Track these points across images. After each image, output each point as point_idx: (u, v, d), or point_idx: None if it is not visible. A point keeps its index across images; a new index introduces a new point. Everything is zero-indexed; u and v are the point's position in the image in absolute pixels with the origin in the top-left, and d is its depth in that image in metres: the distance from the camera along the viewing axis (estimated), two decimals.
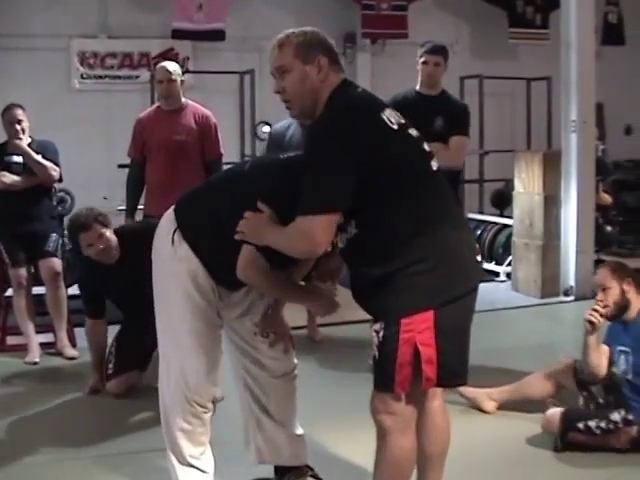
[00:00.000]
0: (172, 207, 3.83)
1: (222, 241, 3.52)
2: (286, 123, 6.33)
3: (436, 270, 3.16)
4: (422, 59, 6.14)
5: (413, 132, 3.37)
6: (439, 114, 5.99)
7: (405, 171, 3.21)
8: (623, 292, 4.76)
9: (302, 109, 3.34)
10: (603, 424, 4.60)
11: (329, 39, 3.40)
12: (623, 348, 4.78)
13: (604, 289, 4.78)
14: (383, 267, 3.16)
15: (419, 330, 3.13)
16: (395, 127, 3.26)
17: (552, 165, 9.05)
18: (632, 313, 4.78)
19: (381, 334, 3.20)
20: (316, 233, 3.06)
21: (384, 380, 3.22)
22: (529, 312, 8.20)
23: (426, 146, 3.41)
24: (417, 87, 6.25)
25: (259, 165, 3.93)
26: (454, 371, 3.28)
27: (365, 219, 3.18)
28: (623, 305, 4.76)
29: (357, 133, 3.11)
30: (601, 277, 4.86)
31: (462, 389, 5.34)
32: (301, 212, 3.08)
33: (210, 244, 3.59)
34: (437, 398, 3.50)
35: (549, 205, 9.02)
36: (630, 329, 4.78)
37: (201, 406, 3.73)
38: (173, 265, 3.70)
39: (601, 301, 4.77)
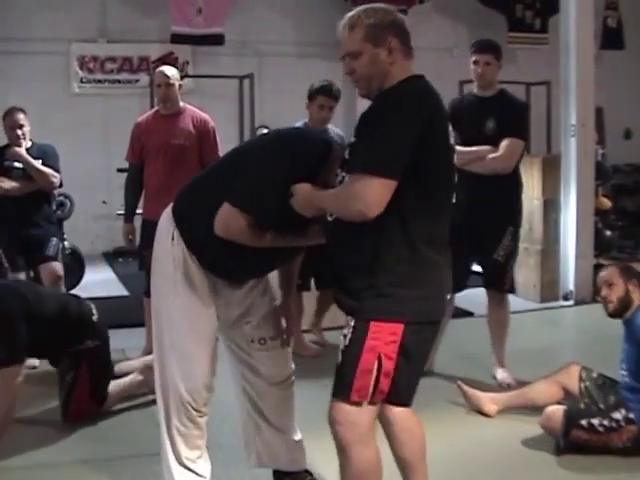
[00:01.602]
0: (170, 206, 3.82)
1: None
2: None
3: (417, 289, 3.17)
4: (472, 59, 5.93)
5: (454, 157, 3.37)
6: (491, 116, 5.78)
7: (432, 186, 3.18)
8: (628, 291, 4.82)
9: (370, 90, 3.29)
10: (606, 422, 4.63)
11: (400, 16, 3.31)
12: (626, 345, 4.83)
13: (610, 285, 4.84)
14: (368, 265, 3.16)
15: (385, 341, 3.13)
16: (450, 142, 3.28)
17: (551, 169, 9.05)
18: (630, 312, 4.82)
19: (348, 337, 3.19)
20: (370, 192, 2.99)
21: (342, 387, 3.21)
22: (528, 317, 8.19)
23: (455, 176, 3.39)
24: (474, 89, 6.09)
25: (253, 150, 3.79)
26: (402, 391, 3.30)
27: None
28: (626, 303, 4.81)
29: (425, 123, 3.08)
30: (608, 273, 4.92)
31: (466, 389, 5.35)
32: (359, 169, 3.04)
33: (211, 239, 3.54)
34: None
35: (548, 209, 9.02)
36: (627, 326, 4.84)
37: (195, 410, 3.73)
38: (170, 266, 3.69)
39: (605, 297, 4.85)
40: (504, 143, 5.71)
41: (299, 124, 6.35)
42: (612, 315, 4.89)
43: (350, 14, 3.30)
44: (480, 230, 5.75)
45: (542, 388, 5.20)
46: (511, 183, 5.91)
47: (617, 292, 4.82)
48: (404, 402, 3.40)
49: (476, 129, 5.74)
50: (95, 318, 5.50)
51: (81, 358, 5.29)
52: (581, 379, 5.06)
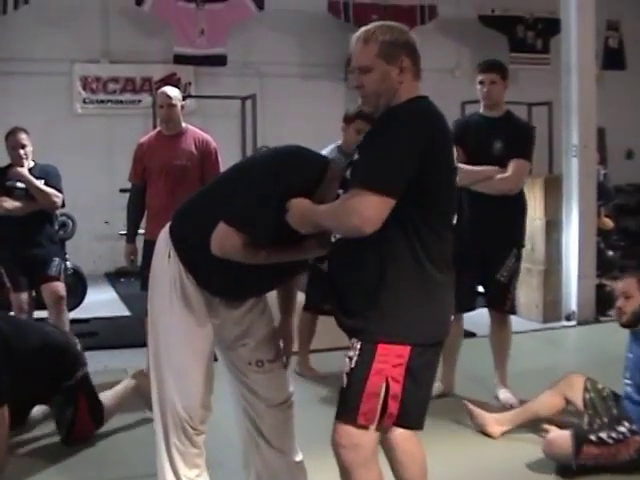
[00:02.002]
0: (168, 225, 3.81)
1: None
2: (328, 152, 6.18)
3: (423, 309, 3.17)
4: (478, 78, 5.93)
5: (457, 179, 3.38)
6: (498, 137, 5.77)
7: (435, 205, 3.18)
8: None
9: (377, 107, 3.28)
10: (613, 434, 4.64)
11: (413, 37, 3.31)
12: (630, 355, 4.85)
13: (627, 296, 4.79)
14: (372, 284, 3.14)
15: (393, 364, 3.12)
16: (453, 163, 3.29)
17: (553, 190, 9.05)
18: None
19: (354, 360, 3.17)
20: (367, 208, 2.97)
21: (348, 410, 3.19)
22: (531, 337, 8.18)
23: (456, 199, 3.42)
24: (480, 110, 6.08)
25: (248, 168, 3.78)
26: (411, 414, 3.27)
27: (382, 225, 3.06)
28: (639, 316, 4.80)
29: (429, 141, 3.08)
30: (626, 284, 4.84)
31: (472, 408, 5.33)
32: (358, 184, 3.03)
33: (208, 257, 3.51)
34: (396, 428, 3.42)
35: (550, 230, 9.01)
36: (636, 336, 4.84)
37: (193, 428, 3.71)
38: (167, 284, 3.68)
39: (620, 308, 4.81)
40: (512, 164, 5.71)
41: (332, 147, 6.25)
42: (624, 326, 4.87)
43: (365, 28, 3.30)
44: (484, 250, 5.76)
45: (545, 400, 5.21)
46: (516, 204, 5.92)
47: (633, 305, 4.77)
48: (415, 426, 3.37)
49: (483, 150, 5.75)
50: (79, 347, 5.48)
51: (76, 392, 5.22)
52: (586, 389, 5.05)
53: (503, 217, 5.77)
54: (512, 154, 5.74)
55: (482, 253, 5.76)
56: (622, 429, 4.66)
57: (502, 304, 5.97)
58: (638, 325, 4.82)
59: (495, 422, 5.29)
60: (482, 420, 5.32)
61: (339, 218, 3.10)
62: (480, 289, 6.09)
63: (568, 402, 5.13)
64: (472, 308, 5.98)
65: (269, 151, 4.08)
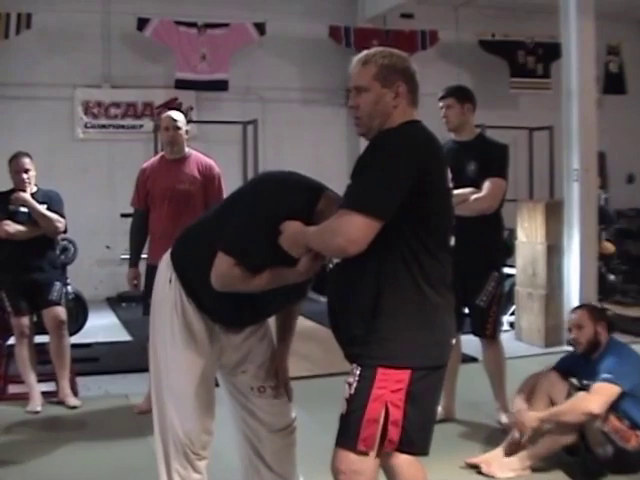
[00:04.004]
0: (169, 250, 3.82)
1: None
2: None
3: (422, 333, 3.16)
4: (439, 104, 5.97)
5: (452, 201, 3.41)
6: (471, 159, 5.81)
7: (432, 228, 3.19)
8: (596, 333, 5.11)
9: (369, 129, 3.29)
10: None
11: (414, 67, 3.34)
12: (587, 382, 5.04)
13: (580, 327, 5.15)
14: (371, 308, 3.14)
15: (392, 389, 3.11)
16: (447, 185, 3.31)
17: (554, 214, 9.07)
18: (598, 353, 5.11)
19: (354, 386, 3.16)
20: (351, 229, 2.98)
21: (348, 436, 3.17)
22: (533, 362, 8.14)
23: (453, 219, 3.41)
24: (452, 135, 6.07)
25: (242, 194, 3.75)
26: (414, 440, 3.24)
27: (375, 249, 3.07)
28: (594, 344, 5.11)
29: (422, 165, 3.09)
30: (578, 316, 5.23)
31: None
32: (345, 205, 3.04)
33: (208, 284, 3.51)
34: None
35: (552, 254, 9.02)
36: (594, 365, 5.05)
37: (194, 453, 3.70)
38: (168, 310, 3.69)
39: (575, 339, 5.18)
40: (487, 183, 5.77)
41: None
42: (582, 355, 5.16)
43: (367, 51, 3.35)
44: (465, 275, 5.75)
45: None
46: (493, 227, 5.98)
47: (586, 334, 5.12)
48: (419, 451, 3.33)
49: (458, 173, 5.75)
50: None
51: None
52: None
53: (480, 241, 5.77)
54: (486, 174, 5.80)
55: (463, 278, 5.76)
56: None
57: (482, 329, 5.99)
58: (593, 354, 5.11)
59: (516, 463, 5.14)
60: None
61: (325, 239, 3.12)
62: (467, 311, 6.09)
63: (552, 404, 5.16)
64: (459, 330, 5.96)
65: (263, 175, 4.08)
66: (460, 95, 5.99)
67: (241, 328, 3.85)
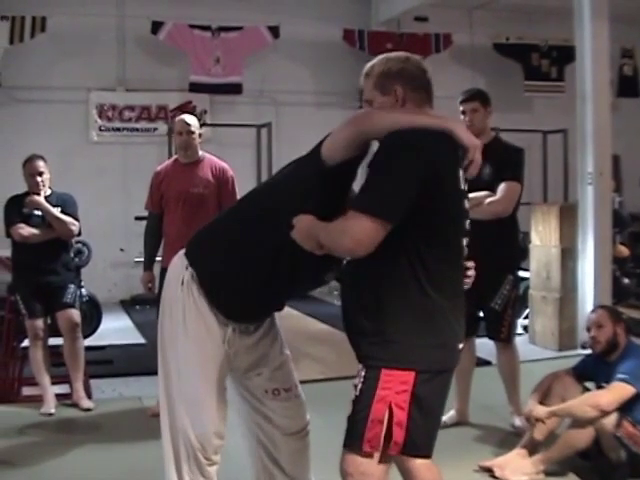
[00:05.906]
0: (181, 251, 3.77)
1: (246, 267, 3.51)
2: None
3: (427, 336, 3.15)
4: (460, 109, 5.95)
5: (467, 203, 3.41)
6: (487, 162, 5.71)
7: (443, 231, 3.19)
8: (615, 334, 5.12)
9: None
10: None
11: (412, 65, 3.32)
12: (605, 385, 5.02)
13: (599, 326, 5.16)
14: (376, 309, 3.15)
15: (397, 391, 3.10)
16: (462, 187, 3.30)
17: (569, 217, 9.06)
18: (616, 355, 5.11)
19: (359, 387, 3.17)
20: (359, 230, 2.98)
21: (354, 437, 3.18)
22: (547, 365, 8.11)
23: (468, 223, 3.41)
24: None
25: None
26: (418, 442, 3.22)
27: (383, 251, 3.06)
28: (613, 345, 5.12)
29: (433, 166, 3.08)
30: (599, 315, 5.25)
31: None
32: (354, 207, 3.04)
33: (232, 271, 3.53)
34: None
35: (566, 258, 9.00)
36: (611, 367, 5.04)
37: (206, 458, 3.65)
38: (180, 312, 3.65)
39: (594, 337, 5.17)
40: (502, 187, 5.77)
41: None
42: (599, 355, 5.18)
43: (370, 63, 3.38)
44: (480, 278, 5.72)
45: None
46: (509, 230, 5.97)
47: (606, 334, 5.13)
48: (421, 454, 3.32)
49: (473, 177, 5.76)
50: None
51: None
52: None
53: (496, 244, 5.72)
54: (502, 177, 5.79)
55: (477, 281, 5.74)
56: None
57: (497, 332, 5.98)
58: (611, 355, 5.12)
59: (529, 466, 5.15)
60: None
61: (334, 238, 3.11)
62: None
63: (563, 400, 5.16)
64: (473, 335, 5.98)
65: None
66: (484, 98, 6.00)
67: (255, 326, 3.79)
